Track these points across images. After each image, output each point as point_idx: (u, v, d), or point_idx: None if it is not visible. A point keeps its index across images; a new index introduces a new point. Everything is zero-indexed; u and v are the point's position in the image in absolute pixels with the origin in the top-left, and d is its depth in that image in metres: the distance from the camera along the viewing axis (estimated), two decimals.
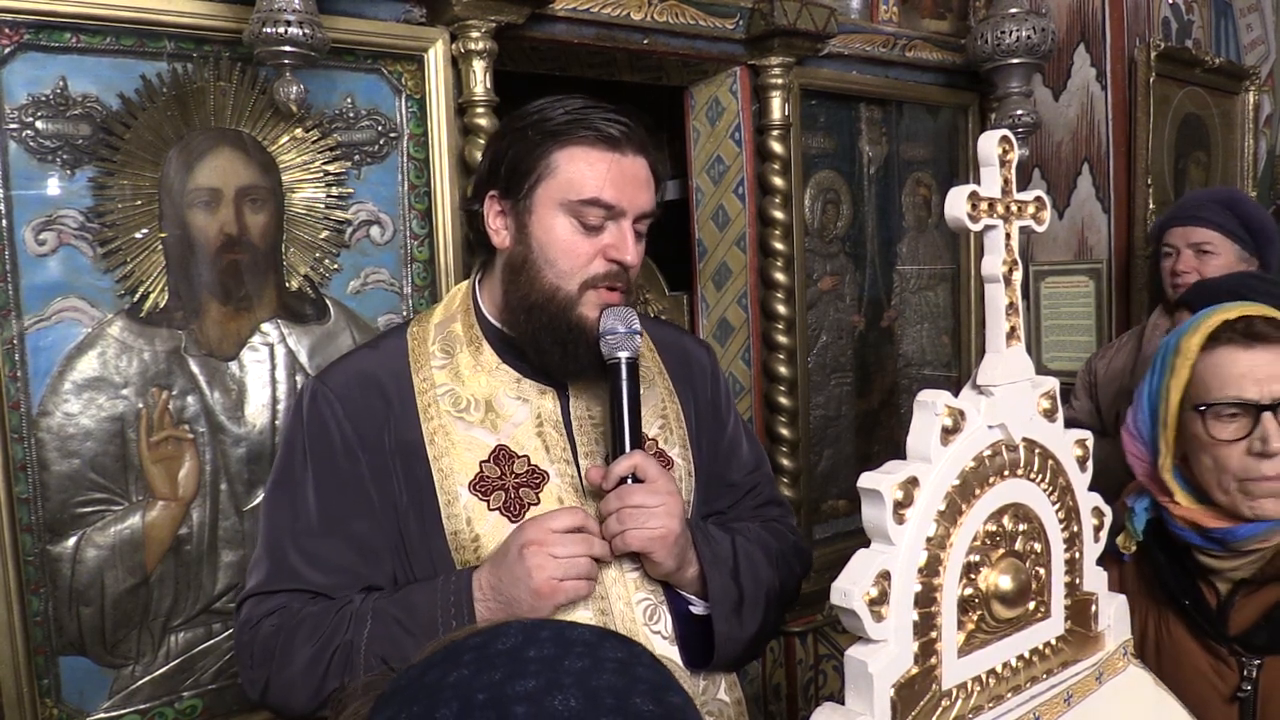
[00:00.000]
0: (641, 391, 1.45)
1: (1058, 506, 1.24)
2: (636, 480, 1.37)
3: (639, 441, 1.40)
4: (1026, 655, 1.20)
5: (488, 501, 1.40)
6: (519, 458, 1.43)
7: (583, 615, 1.38)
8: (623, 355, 1.39)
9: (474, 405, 1.45)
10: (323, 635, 1.35)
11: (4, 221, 1.73)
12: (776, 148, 2.72)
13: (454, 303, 1.55)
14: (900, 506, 1.05)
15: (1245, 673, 1.42)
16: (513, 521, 1.39)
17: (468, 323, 1.50)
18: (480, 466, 1.41)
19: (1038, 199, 1.22)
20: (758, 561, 1.50)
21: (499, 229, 1.46)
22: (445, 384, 1.46)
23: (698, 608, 1.46)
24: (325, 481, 1.42)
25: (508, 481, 1.42)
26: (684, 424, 1.58)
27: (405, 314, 2.12)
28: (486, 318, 1.50)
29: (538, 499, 1.42)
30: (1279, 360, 1.42)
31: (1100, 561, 1.62)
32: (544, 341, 1.42)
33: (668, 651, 1.43)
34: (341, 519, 1.41)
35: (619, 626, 1.40)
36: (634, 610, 1.42)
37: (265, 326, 1.97)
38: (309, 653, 1.34)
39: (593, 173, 1.40)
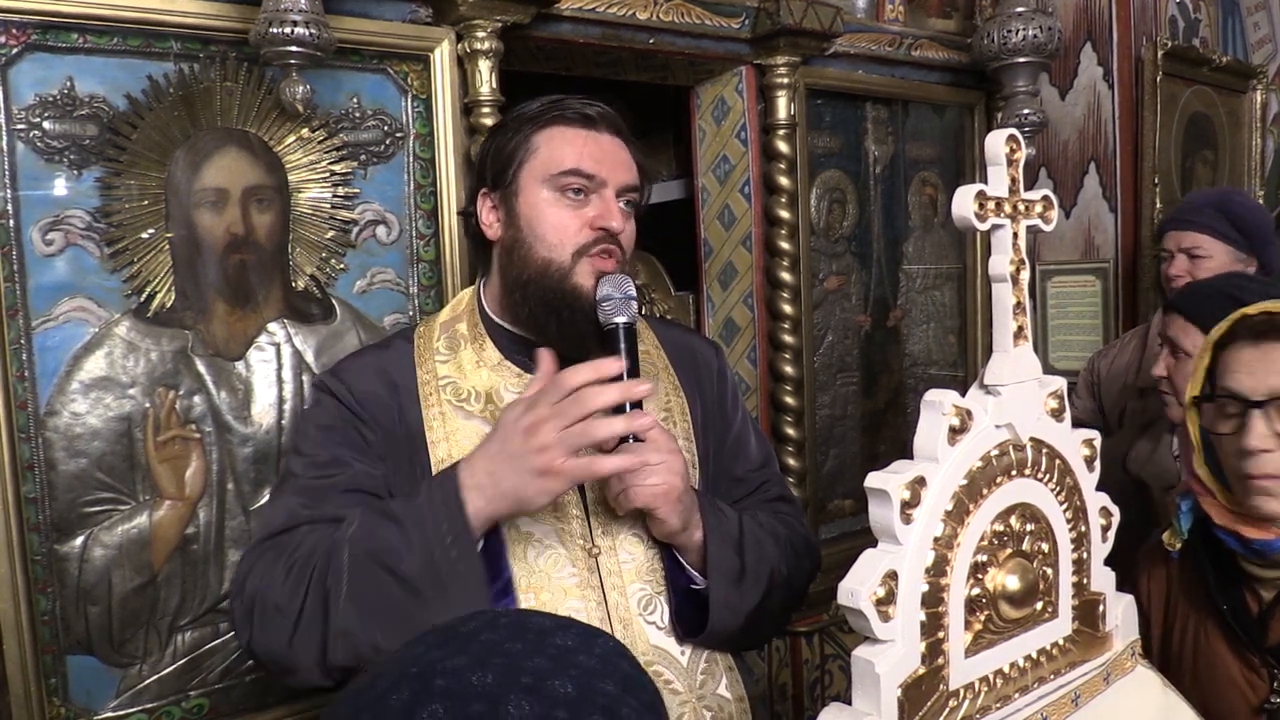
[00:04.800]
0: (646, 386, 1.46)
1: (1065, 506, 1.23)
2: (638, 440, 1.37)
3: (638, 403, 1.41)
4: (1034, 655, 1.20)
5: None
6: None
7: (575, 605, 1.40)
8: (620, 320, 1.41)
9: (475, 396, 1.49)
10: (304, 549, 1.33)
11: (11, 222, 1.73)
12: (782, 147, 2.72)
13: (460, 304, 1.60)
14: (907, 506, 1.05)
15: (1276, 685, 1.40)
16: None
17: (472, 321, 1.55)
18: None
19: (1045, 198, 1.21)
20: (764, 541, 1.50)
21: (491, 222, 1.52)
22: (448, 376, 1.50)
23: (699, 583, 1.46)
24: (330, 436, 1.46)
25: None
26: (689, 418, 1.60)
27: (411, 314, 2.12)
28: (490, 316, 1.55)
29: None
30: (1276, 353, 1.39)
31: (1148, 558, 1.63)
32: (541, 315, 1.46)
33: (662, 643, 1.44)
34: (344, 463, 1.43)
35: (614, 616, 1.41)
36: (629, 600, 1.43)
37: (272, 326, 1.97)
38: (285, 565, 1.32)
39: (570, 148, 1.47)
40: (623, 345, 1.40)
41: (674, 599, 1.46)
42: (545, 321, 1.46)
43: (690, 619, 1.45)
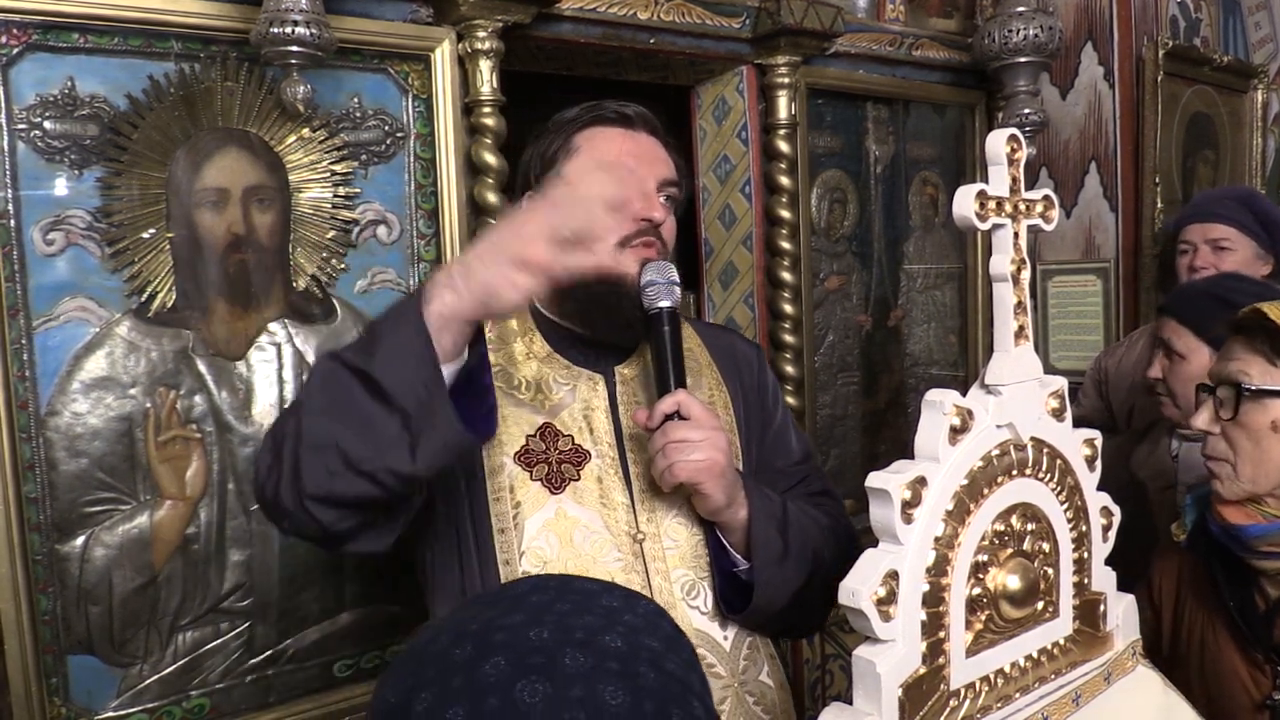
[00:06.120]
0: (690, 380, 1.51)
1: (1066, 506, 1.23)
2: (682, 418, 1.40)
3: (682, 383, 1.45)
4: (1035, 655, 1.19)
5: (530, 472, 1.46)
6: (564, 436, 1.49)
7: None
8: (664, 305, 1.45)
9: (525, 385, 1.52)
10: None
11: (12, 222, 1.73)
12: (783, 147, 2.72)
13: None
14: (908, 506, 1.05)
15: (1278, 681, 1.42)
16: (553, 493, 1.45)
17: (521, 316, 1.58)
18: (526, 440, 1.47)
19: (1045, 197, 1.21)
20: (807, 526, 1.52)
21: None
22: (499, 364, 1.52)
23: (741, 566, 1.48)
24: None
25: (551, 456, 1.48)
26: (731, 413, 1.63)
27: None
28: (539, 310, 1.58)
29: (578, 475, 1.47)
30: (1236, 345, 1.47)
31: (1161, 555, 1.66)
32: (586, 304, 1.49)
33: (706, 627, 1.47)
34: None
35: (659, 601, 1.42)
36: (673, 585, 1.46)
37: (272, 326, 1.97)
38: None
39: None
40: (666, 328, 1.44)
41: (718, 583, 1.48)
42: (591, 311, 1.50)
43: (733, 602, 1.48)
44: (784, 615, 1.50)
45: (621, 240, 1.48)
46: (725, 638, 1.48)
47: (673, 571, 1.47)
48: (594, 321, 1.51)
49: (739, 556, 1.48)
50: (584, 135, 1.53)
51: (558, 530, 1.44)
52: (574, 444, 1.49)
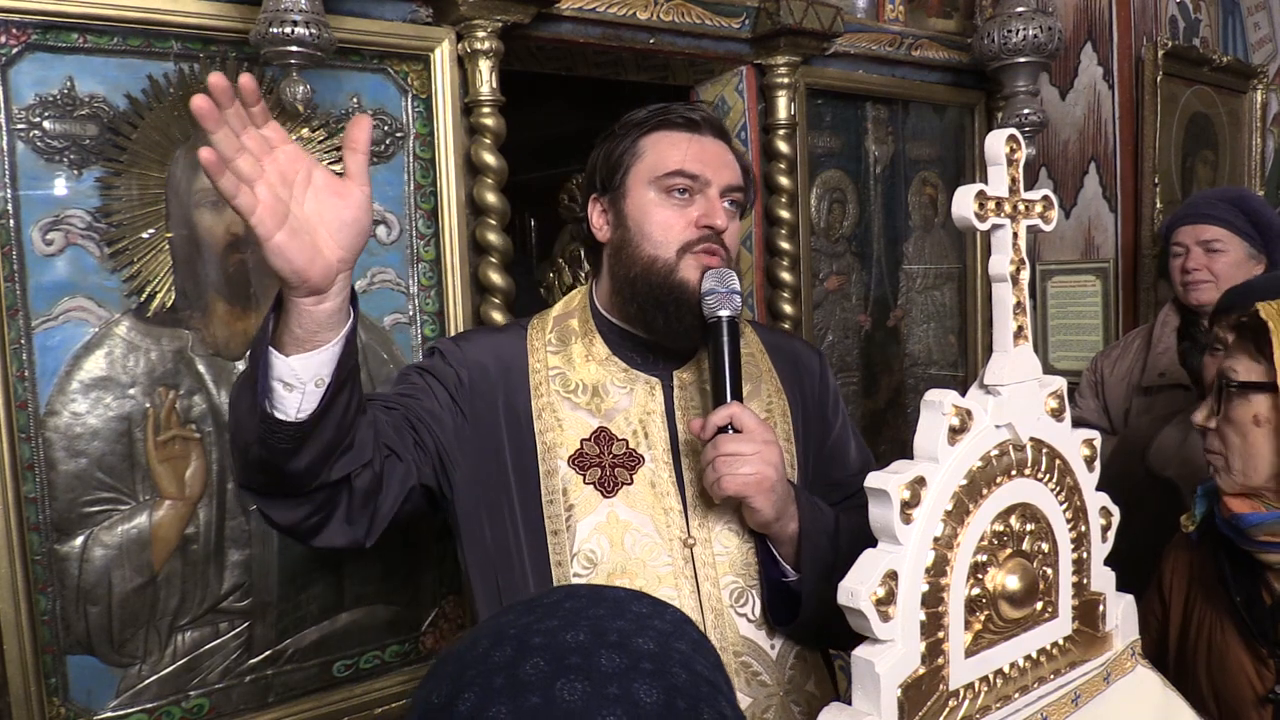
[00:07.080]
0: (748, 387, 1.52)
1: (1065, 506, 1.23)
2: (735, 431, 1.41)
3: (738, 394, 1.45)
4: (1034, 655, 1.19)
5: (584, 475, 1.48)
6: (618, 440, 1.51)
7: (668, 593, 1.44)
8: (723, 313, 1.46)
9: (582, 389, 1.54)
10: None
11: (11, 221, 1.73)
12: (783, 147, 2.72)
13: (573, 301, 1.67)
14: (907, 506, 1.05)
15: None
16: (605, 496, 1.47)
17: (584, 318, 1.61)
18: (581, 444, 1.49)
19: (1045, 198, 1.21)
20: (860, 540, 1.50)
21: (601, 225, 1.59)
22: (558, 367, 1.55)
23: (790, 576, 1.48)
24: (423, 379, 1.53)
25: (605, 460, 1.50)
26: (789, 420, 1.63)
27: (411, 313, 2.12)
28: (601, 312, 1.61)
29: (631, 480, 1.49)
30: (1233, 342, 1.49)
31: (1173, 549, 1.67)
32: (648, 309, 1.51)
33: (753, 635, 1.48)
34: (413, 393, 1.50)
35: (707, 606, 1.45)
36: (721, 592, 1.47)
37: None
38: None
39: (675, 150, 1.53)
40: (724, 338, 1.44)
41: (766, 591, 1.49)
42: (652, 316, 1.51)
43: (781, 612, 1.48)
44: (831, 627, 1.47)
45: (683, 246, 1.50)
46: (772, 646, 1.49)
47: (722, 578, 1.47)
48: (654, 325, 1.52)
49: (788, 567, 1.48)
50: (650, 139, 1.54)
51: (609, 533, 1.45)
52: (628, 448, 1.50)
